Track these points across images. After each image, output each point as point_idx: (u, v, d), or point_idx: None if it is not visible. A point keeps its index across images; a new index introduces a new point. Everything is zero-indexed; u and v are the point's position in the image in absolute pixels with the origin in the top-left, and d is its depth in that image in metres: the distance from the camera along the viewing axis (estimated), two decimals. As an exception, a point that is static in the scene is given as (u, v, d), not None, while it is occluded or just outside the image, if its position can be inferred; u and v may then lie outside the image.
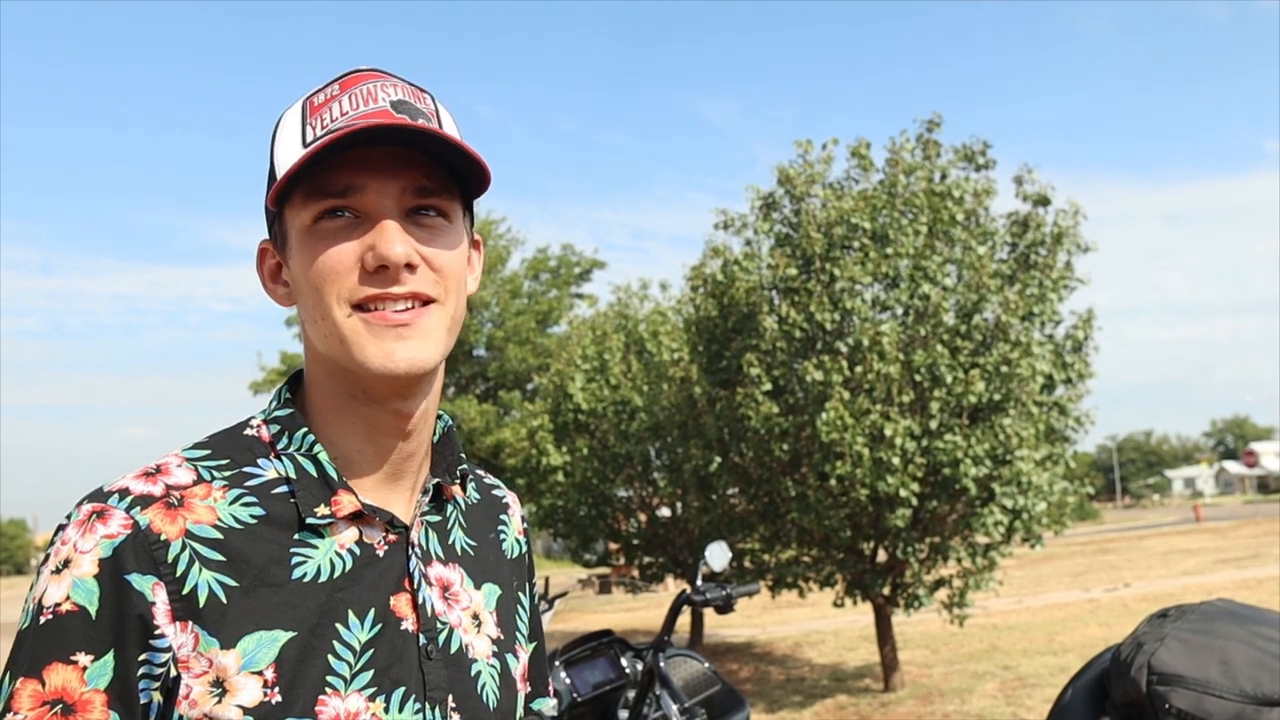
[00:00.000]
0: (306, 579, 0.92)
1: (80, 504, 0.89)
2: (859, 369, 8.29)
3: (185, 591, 0.86)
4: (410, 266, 0.92)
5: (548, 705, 1.27)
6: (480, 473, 1.21)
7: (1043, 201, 9.35)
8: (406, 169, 0.93)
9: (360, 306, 0.91)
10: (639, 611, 19.63)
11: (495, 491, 1.21)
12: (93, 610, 0.84)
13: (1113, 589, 16.42)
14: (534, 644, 1.23)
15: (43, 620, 0.85)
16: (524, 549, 1.21)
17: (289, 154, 0.94)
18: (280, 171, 0.94)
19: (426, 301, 0.93)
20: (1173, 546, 25.19)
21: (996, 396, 8.32)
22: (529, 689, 1.22)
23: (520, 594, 1.18)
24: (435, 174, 0.94)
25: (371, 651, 0.93)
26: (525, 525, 1.24)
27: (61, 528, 0.89)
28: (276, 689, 0.87)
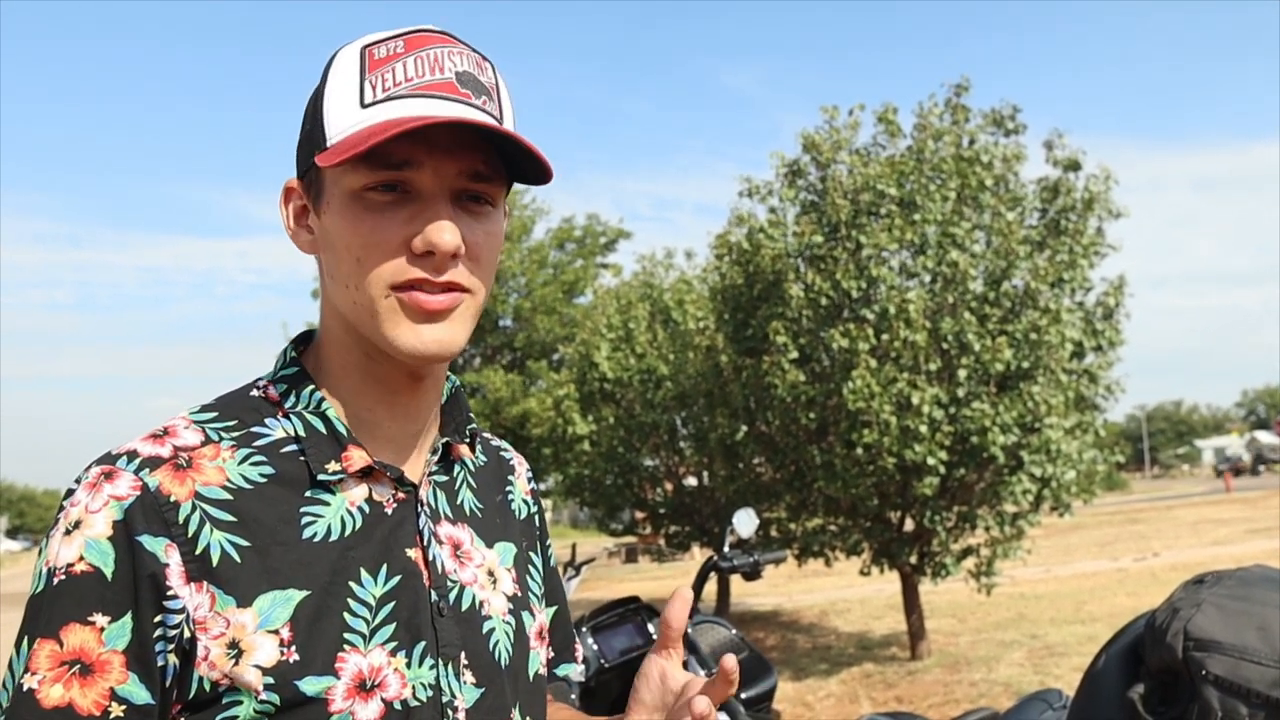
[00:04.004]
0: (317, 538, 0.91)
1: (89, 467, 0.89)
2: (886, 337, 8.24)
3: (198, 552, 0.86)
4: (454, 255, 0.91)
5: (574, 671, 1.26)
6: (487, 435, 1.20)
7: (1073, 166, 9.22)
8: (465, 151, 0.92)
9: (398, 287, 0.91)
10: (665, 580, 19.72)
11: (503, 453, 1.20)
12: (108, 571, 0.83)
13: (1141, 558, 16.32)
14: (554, 608, 1.22)
15: (56, 581, 0.84)
16: (532, 510, 1.20)
17: (344, 110, 0.92)
18: (332, 127, 0.92)
19: (460, 290, 0.93)
20: (1202, 516, 24.99)
21: (1025, 364, 8.25)
22: (551, 653, 1.21)
23: (531, 554, 1.17)
24: (491, 158, 0.93)
25: (393, 604, 0.93)
26: (533, 486, 1.23)
27: (70, 491, 0.88)
28: (293, 647, 0.87)
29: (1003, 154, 9.01)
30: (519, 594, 1.08)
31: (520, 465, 1.22)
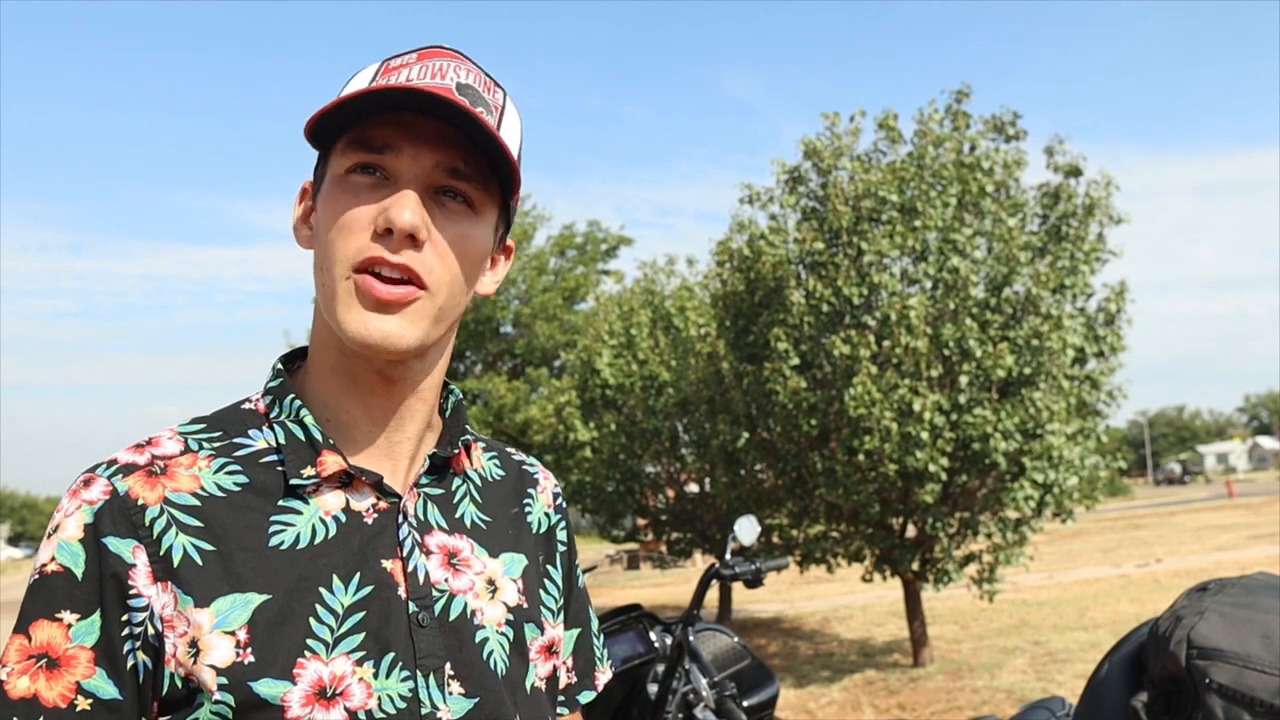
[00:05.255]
0: (284, 545, 0.92)
1: (76, 477, 0.93)
2: (887, 343, 8.24)
3: (162, 553, 0.89)
4: (415, 240, 0.91)
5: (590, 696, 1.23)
6: (510, 450, 1.19)
7: (1074, 172, 9.23)
8: (447, 146, 0.93)
9: (357, 269, 0.91)
10: (667, 587, 19.71)
11: (526, 467, 1.19)
12: (78, 572, 0.87)
13: (1144, 564, 16.31)
14: (578, 630, 1.20)
15: (32, 581, 0.89)
16: (553, 523, 1.18)
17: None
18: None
19: (418, 285, 0.92)
20: (1205, 522, 24.97)
21: (1027, 370, 8.25)
22: (574, 678, 1.19)
23: (549, 568, 1.15)
24: (475, 161, 0.94)
25: (362, 614, 0.93)
26: (559, 501, 1.21)
27: (61, 500, 0.93)
28: (249, 650, 0.88)
29: (1003, 160, 9.02)
30: (525, 605, 1.07)
31: (546, 480, 1.20)
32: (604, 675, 1.24)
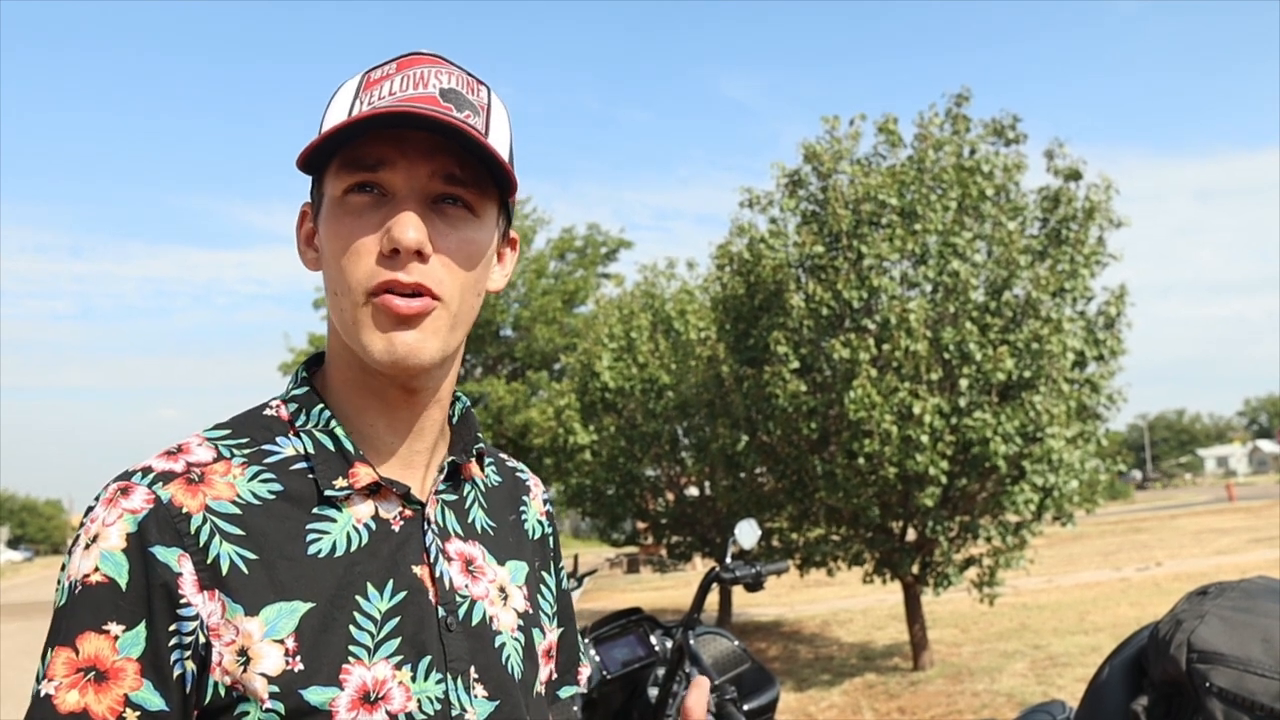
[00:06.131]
0: (322, 554, 0.93)
1: (107, 485, 0.92)
2: (886, 347, 8.24)
3: (209, 561, 0.88)
4: (421, 255, 0.92)
5: (575, 693, 1.26)
6: (503, 456, 1.22)
7: (1074, 176, 9.23)
8: (440, 155, 0.93)
9: (372, 292, 0.92)
10: (667, 590, 19.69)
11: (518, 474, 1.21)
12: (122, 582, 0.86)
13: (1144, 568, 16.29)
14: (562, 629, 1.23)
15: (75, 592, 0.87)
16: (546, 530, 1.21)
17: (333, 122, 0.96)
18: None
19: (431, 296, 0.93)
20: (1205, 526, 24.94)
21: (1027, 373, 8.25)
22: (555, 674, 1.22)
23: (544, 573, 1.19)
24: (469, 165, 0.95)
25: (397, 619, 0.95)
26: (549, 508, 1.24)
27: (90, 508, 0.91)
28: (298, 657, 0.88)
29: (1003, 164, 9.02)
30: (530, 611, 1.10)
31: (536, 487, 1.23)
32: (585, 670, 1.28)
